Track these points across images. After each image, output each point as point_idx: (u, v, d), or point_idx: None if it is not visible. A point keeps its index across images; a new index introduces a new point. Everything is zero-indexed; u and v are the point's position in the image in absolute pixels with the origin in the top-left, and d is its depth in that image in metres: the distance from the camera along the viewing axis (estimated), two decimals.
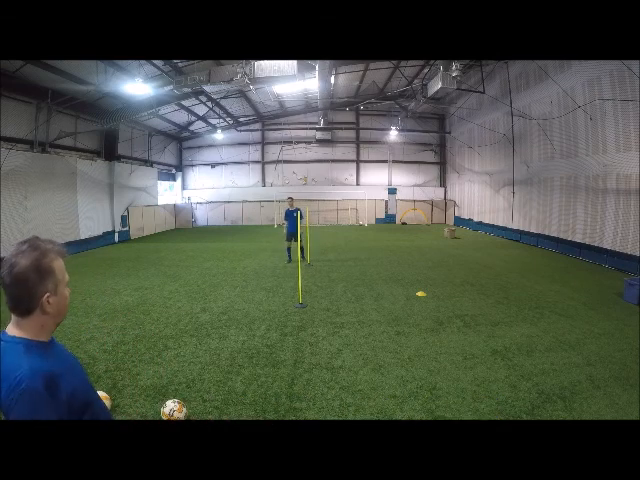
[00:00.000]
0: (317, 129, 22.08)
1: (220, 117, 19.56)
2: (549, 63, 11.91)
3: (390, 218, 22.93)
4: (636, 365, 4.19)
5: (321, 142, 22.69)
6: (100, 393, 3.35)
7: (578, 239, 11.21)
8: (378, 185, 23.19)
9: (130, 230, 16.45)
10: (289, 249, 10.46)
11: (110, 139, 15.25)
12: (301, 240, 9.97)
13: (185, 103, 15.89)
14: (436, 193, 23.35)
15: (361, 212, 22.72)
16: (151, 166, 19.22)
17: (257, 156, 23.36)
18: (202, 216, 22.91)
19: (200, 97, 15.25)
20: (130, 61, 10.35)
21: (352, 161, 23.30)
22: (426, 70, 15.87)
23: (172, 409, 3.19)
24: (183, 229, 20.98)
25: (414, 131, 22.05)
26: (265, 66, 10.30)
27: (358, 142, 23.17)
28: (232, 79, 10.60)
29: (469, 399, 3.57)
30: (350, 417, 3.33)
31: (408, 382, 3.91)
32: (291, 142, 22.74)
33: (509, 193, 15.41)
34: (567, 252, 11.62)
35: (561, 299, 6.77)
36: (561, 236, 12.10)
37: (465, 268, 9.54)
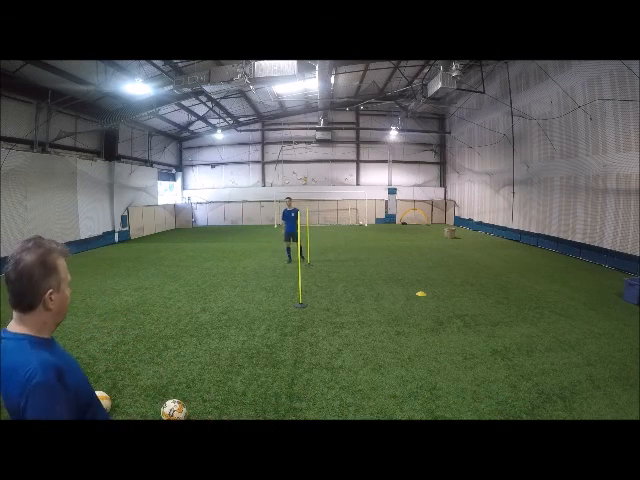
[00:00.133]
0: (317, 129, 22.08)
1: (220, 117, 19.56)
2: (549, 63, 11.91)
3: (390, 218, 22.93)
4: (636, 365, 4.19)
5: (321, 142, 22.69)
6: (100, 393, 3.35)
7: (578, 239, 11.21)
8: (378, 185, 23.19)
9: (130, 230, 16.45)
10: (289, 249, 10.46)
11: (110, 139, 15.25)
12: (296, 241, 9.98)
13: (185, 103, 15.89)
14: (436, 193, 23.35)
15: (361, 212, 22.72)
16: (151, 166, 19.22)
17: (257, 156, 23.36)
18: (202, 216, 22.91)
19: (200, 97, 15.25)
20: (130, 61, 10.35)
21: (352, 161, 23.30)
22: (426, 70, 15.87)
23: (172, 409, 3.18)
24: (183, 229, 20.99)
25: (414, 131, 22.06)
26: (265, 66, 10.30)
27: (358, 142, 23.17)
28: (232, 79, 10.60)
29: (469, 399, 3.57)
30: (350, 417, 3.33)
31: (408, 382, 3.92)
32: (291, 142, 22.74)
33: (509, 193, 15.42)
34: (567, 252, 11.62)
35: (561, 299, 6.77)
36: (561, 236, 12.10)
37: (465, 268, 9.54)
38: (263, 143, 23.26)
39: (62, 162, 12.51)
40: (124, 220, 16.05)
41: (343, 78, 16.99)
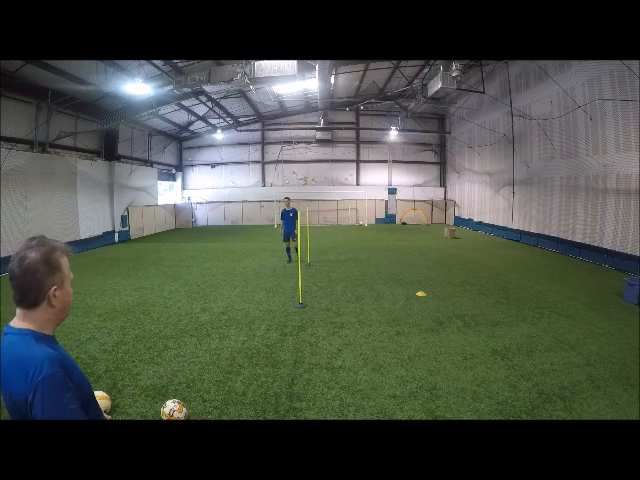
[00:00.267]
0: (317, 129, 22.08)
1: (220, 117, 19.56)
2: (549, 63, 11.91)
3: (390, 218, 22.93)
4: (636, 365, 4.19)
5: (321, 142, 22.69)
6: (100, 393, 3.35)
7: (578, 239, 11.21)
8: (378, 185, 23.19)
9: (130, 230, 16.45)
10: (288, 249, 10.46)
11: (110, 139, 15.25)
12: (295, 240, 9.96)
13: (185, 103, 15.89)
14: (436, 193, 23.35)
15: (361, 212, 22.72)
16: (151, 166, 19.22)
17: (257, 156, 23.36)
18: (202, 216, 22.91)
19: (200, 97, 15.25)
20: (130, 61, 10.34)
21: (352, 161, 23.31)
22: (426, 70, 15.87)
23: (172, 409, 3.18)
24: (183, 229, 20.99)
25: (414, 131, 22.06)
26: (265, 66, 10.30)
27: (358, 142, 23.18)
28: (232, 79, 10.60)
29: (469, 399, 3.57)
30: (350, 417, 3.33)
31: (408, 382, 3.91)
32: (291, 142, 22.74)
33: (509, 193, 15.42)
34: (567, 252, 11.62)
35: (561, 299, 6.77)
36: (561, 236, 12.10)
37: (465, 268, 9.54)
38: (263, 143, 23.26)
39: (62, 162, 12.51)
40: (124, 220, 16.05)
41: (343, 78, 16.99)
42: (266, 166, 23.38)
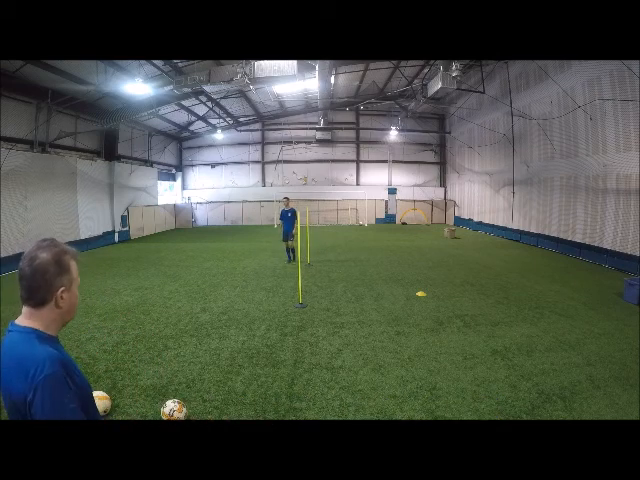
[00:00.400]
0: (317, 129, 22.08)
1: (220, 117, 19.56)
2: (549, 63, 11.91)
3: (390, 218, 22.93)
4: (636, 365, 4.19)
5: (321, 142, 22.69)
6: (100, 393, 3.36)
7: (578, 239, 11.21)
8: (378, 185, 23.19)
9: (130, 230, 16.45)
10: (287, 249, 10.46)
11: (110, 139, 15.25)
12: (292, 240, 9.95)
13: (185, 103, 15.89)
14: (436, 193, 23.35)
15: (361, 212, 22.72)
16: (151, 166, 19.22)
17: (257, 156, 23.36)
18: (202, 216, 22.91)
19: (200, 97, 15.25)
20: (130, 61, 10.34)
21: (352, 161, 23.31)
22: (426, 70, 15.87)
23: (172, 409, 3.19)
24: (183, 229, 20.99)
25: (414, 131, 22.06)
26: (265, 66, 10.30)
27: (358, 142, 23.18)
28: (232, 79, 10.60)
29: (469, 399, 3.57)
30: (350, 417, 3.33)
31: (408, 382, 3.91)
32: (291, 142, 22.74)
33: (509, 193, 15.41)
34: (567, 252, 11.62)
35: (561, 299, 6.77)
36: (561, 236, 12.10)
37: (465, 268, 9.54)
38: (263, 143, 23.26)
39: (62, 162, 12.51)
40: (124, 220, 16.05)
41: (343, 78, 16.99)
42: (266, 166, 23.38)
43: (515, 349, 4.69)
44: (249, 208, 22.86)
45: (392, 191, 23.11)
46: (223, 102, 17.55)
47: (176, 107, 16.23)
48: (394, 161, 23.25)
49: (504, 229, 16.03)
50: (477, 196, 19.02)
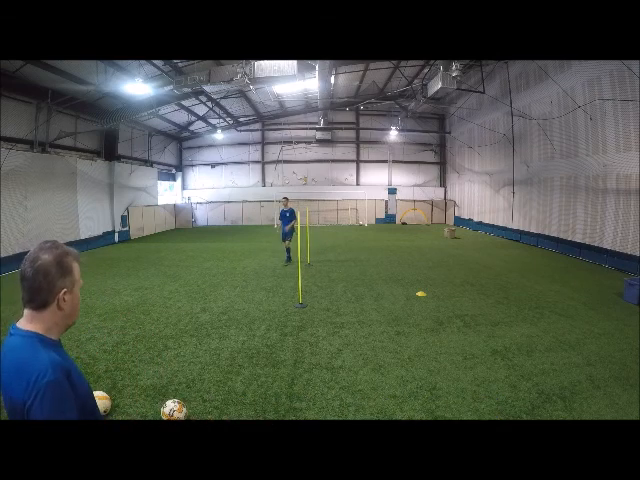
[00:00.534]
0: (317, 129, 22.08)
1: (220, 117, 19.56)
2: (549, 63, 11.91)
3: (390, 218, 22.93)
4: (636, 365, 4.19)
5: (321, 142, 22.69)
6: (100, 393, 3.36)
7: (578, 239, 11.21)
8: (378, 185, 23.19)
9: (130, 230, 16.45)
10: (287, 249, 10.45)
11: (110, 139, 15.25)
12: (290, 240, 9.93)
13: (185, 103, 15.89)
14: (436, 193, 23.35)
15: (361, 212, 22.72)
16: (151, 166, 19.22)
17: (257, 156, 23.36)
18: (202, 216, 22.91)
19: (200, 97, 15.25)
20: (130, 61, 10.34)
21: (352, 161, 23.31)
22: (426, 70, 15.87)
23: (172, 409, 3.19)
24: (183, 229, 20.99)
25: (414, 131, 22.06)
26: (265, 66, 10.30)
27: (358, 142, 23.18)
28: (232, 79, 10.60)
29: (469, 399, 3.57)
30: (350, 417, 3.33)
31: (408, 382, 3.91)
32: (291, 142, 22.74)
33: (509, 193, 15.42)
34: (567, 252, 11.62)
35: (561, 299, 6.77)
36: (561, 236, 12.10)
37: (465, 268, 9.54)
38: (263, 143, 23.26)
39: (62, 162, 12.51)
40: (124, 220, 16.05)
41: (343, 78, 16.99)
42: (266, 166, 23.38)
43: (515, 349, 4.69)
44: (249, 208, 22.86)
45: (392, 191, 23.11)
46: (223, 102, 17.55)
47: (176, 107, 16.23)
48: (394, 161, 23.25)
49: (504, 229, 16.03)
50: (477, 196, 19.02)
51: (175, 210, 21.62)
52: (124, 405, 3.51)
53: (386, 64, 15.40)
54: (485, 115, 17.04)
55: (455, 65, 11.75)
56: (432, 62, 14.40)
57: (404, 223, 22.49)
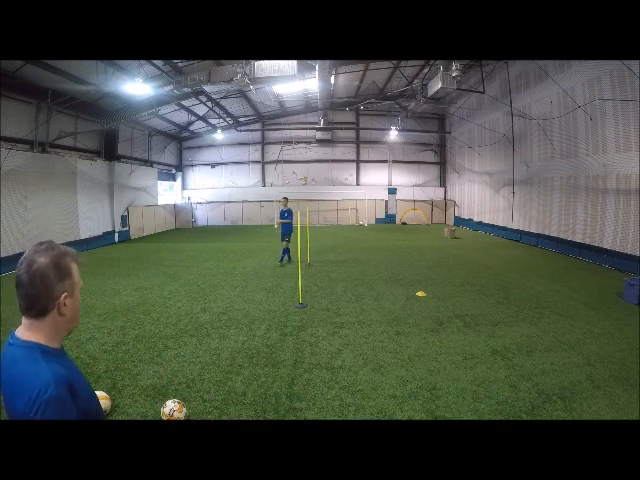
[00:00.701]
0: (317, 129, 22.08)
1: (220, 117, 19.56)
2: (549, 63, 11.91)
3: (390, 218, 22.93)
4: (636, 365, 4.19)
5: (321, 142, 22.70)
6: (100, 393, 3.35)
7: (578, 239, 11.21)
8: (378, 185, 23.20)
9: (130, 230, 16.45)
10: (286, 249, 10.45)
11: (110, 139, 15.25)
12: (288, 240, 9.91)
13: (185, 103, 15.89)
14: (436, 193, 23.35)
15: (361, 212, 22.72)
16: (151, 166, 19.22)
17: (257, 156, 23.36)
18: (202, 216, 22.91)
19: (200, 97, 15.25)
20: (130, 61, 10.34)
21: (352, 161, 23.31)
22: (426, 70, 15.87)
23: (172, 409, 3.19)
24: (183, 229, 20.99)
25: (414, 131, 22.06)
26: (265, 66, 10.30)
27: (358, 142, 23.18)
28: (232, 79, 10.60)
29: (469, 399, 3.57)
30: (350, 417, 3.33)
31: (408, 382, 3.91)
32: (291, 142, 22.75)
33: (509, 193, 15.42)
34: (567, 252, 11.62)
35: (561, 299, 6.77)
36: (561, 236, 12.10)
37: (465, 268, 9.54)
38: (263, 143, 23.26)
39: (62, 162, 12.51)
40: (124, 220, 16.05)
41: (343, 78, 16.99)
42: (266, 166, 23.38)
43: (515, 349, 4.69)
44: (249, 208, 22.86)
45: (392, 191, 23.11)
46: (223, 102, 17.55)
47: (176, 107, 16.23)
48: (394, 161, 23.25)
49: (504, 229, 16.03)
50: (477, 196, 19.02)
51: (175, 210, 21.62)
52: (124, 405, 3.51)
53: (386, 64, 15.40)
54: (485, 115, 17.04)
55: (455, 65, 11.75)
56: (432, 62, 14.41)
57: (404, 223, 22.49)
